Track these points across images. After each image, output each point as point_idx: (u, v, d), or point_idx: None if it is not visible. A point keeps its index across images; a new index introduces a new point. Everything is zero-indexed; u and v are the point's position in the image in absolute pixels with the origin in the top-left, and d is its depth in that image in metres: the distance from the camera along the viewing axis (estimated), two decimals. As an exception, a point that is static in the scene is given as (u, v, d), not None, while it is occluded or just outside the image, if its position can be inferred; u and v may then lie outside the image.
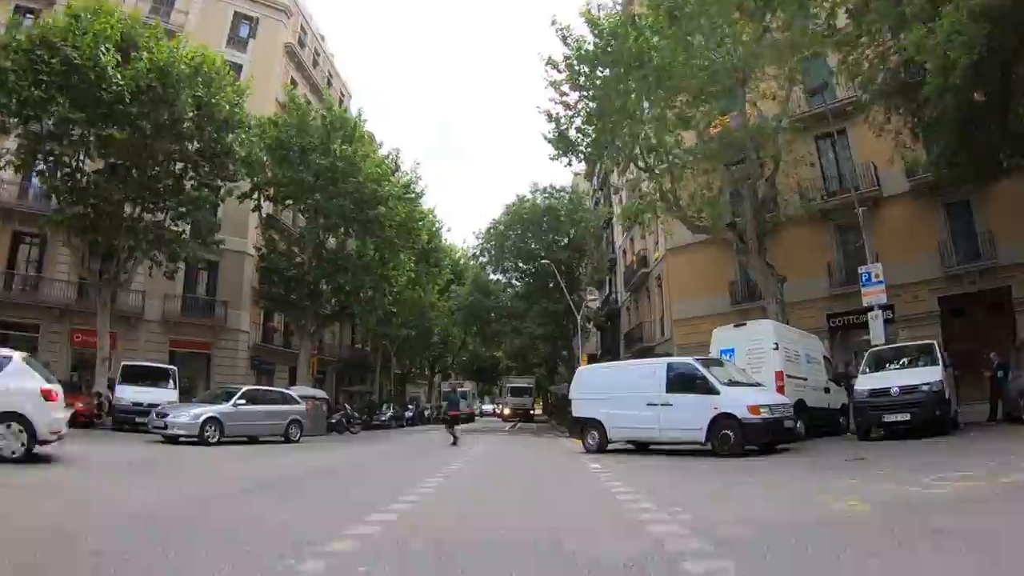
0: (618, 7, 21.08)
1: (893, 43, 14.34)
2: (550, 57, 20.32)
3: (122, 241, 21.05)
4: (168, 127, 19.92)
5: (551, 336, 38.57)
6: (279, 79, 32.98)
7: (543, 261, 33.01)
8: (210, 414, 15.34)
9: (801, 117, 22.60)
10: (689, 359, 11.71)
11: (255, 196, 26.05)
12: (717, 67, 17.78)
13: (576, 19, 20.22)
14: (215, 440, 15.07)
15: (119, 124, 18.85)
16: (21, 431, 8.50)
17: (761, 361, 13.15)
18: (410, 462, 12.64)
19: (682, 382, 11.42)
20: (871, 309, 17.67)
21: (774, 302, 18.06)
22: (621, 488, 6.98)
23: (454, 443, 17.18)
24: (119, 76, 18.16)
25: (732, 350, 13.54)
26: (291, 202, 26.23)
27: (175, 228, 21.86)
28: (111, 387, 19.35)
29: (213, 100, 20.45)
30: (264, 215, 27.04)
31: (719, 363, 11.98)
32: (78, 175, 20.26)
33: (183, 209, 21.34)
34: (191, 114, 20.03)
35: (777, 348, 13.08)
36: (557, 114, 20.79)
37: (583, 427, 13.28)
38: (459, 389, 48.08)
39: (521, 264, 37.35)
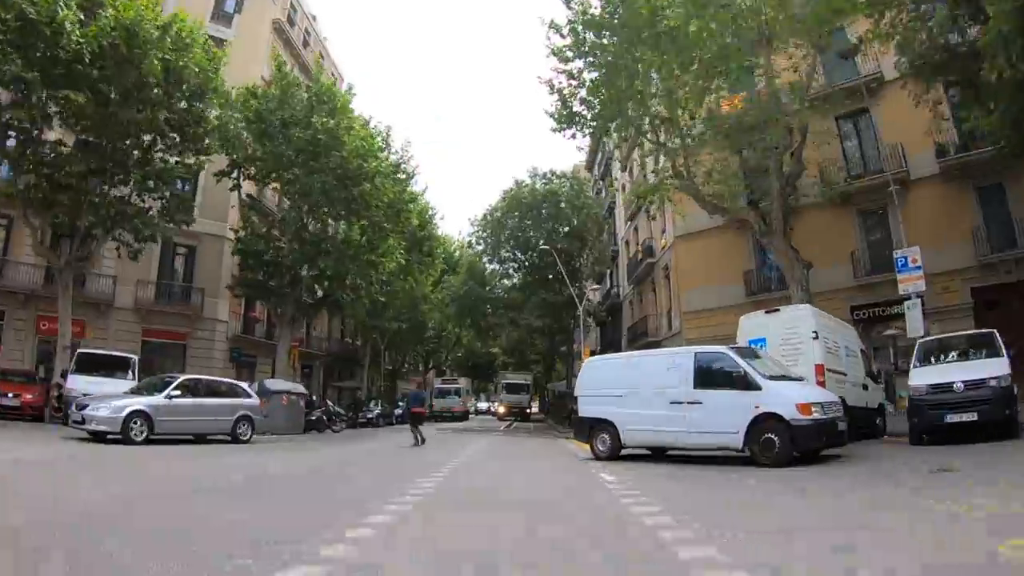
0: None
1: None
2: (552, 20, 18.50)
3: (83, 218, 19.25)
4: (133, 92, 18.20)
5: (550, 329, 36.80)
6: (266, 58, 30.99)
7: (543, 247, 31.16)
8: (136, 407, 12.97)
9: (821, 95, 20.97)
10: (722, 348, 9.79)
11: (234, 175, 24.22)
12: (737, 31, 16.02)
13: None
14: (142, 438, 12.77)
15: (77, 87, 17.12)
16: None
17: (798, 352, 11.37)
18: (379, 471, 10.46)
19: (714, 376, 9.49)
20: (908, 298, 16.14)
21: (799, 290, 16.33)
22: (655, 514, 5.11)
23: (416, 444, 15.87)
24: (78, 34, 16.41)
25: (763, 340, 11.66)
26: (271, 181, 24.30)
27: (142, 204, 20.00)
28: (64, 376, 17.53)
29: (182, 63, 18.62)
30: (245, 196, 25.12)
31: (754, 353, 10.06)
32: (36, 144, 18.49)
33: (150, 183, 19.47)
34: (159, 79, 18.27)
35: (817, 337, 11.28)
36: (560, 84, 18.99)
37: (591, 429, 11.22)
38: (455, 385, 46.49)
39: (519, 254, 35.47)
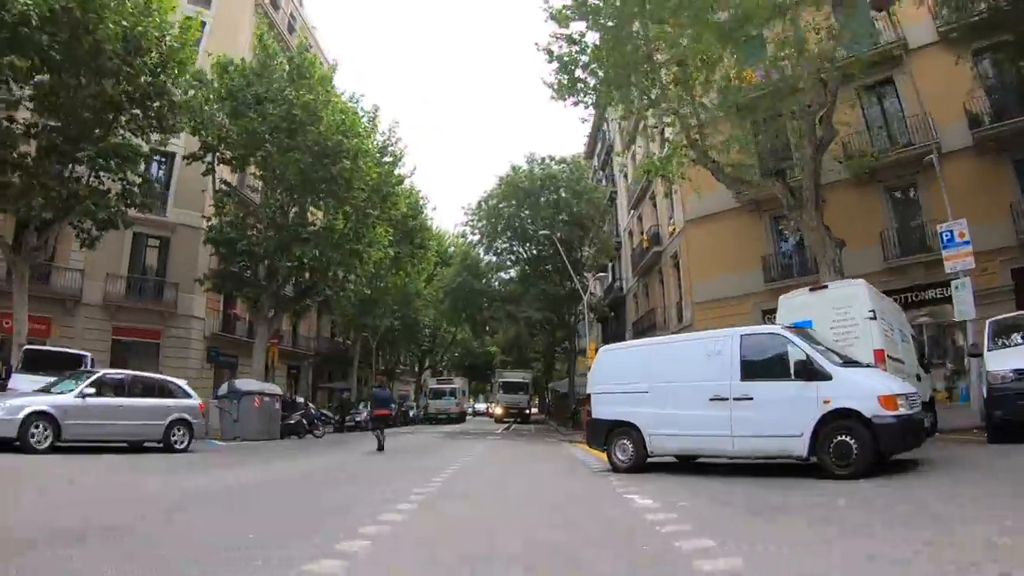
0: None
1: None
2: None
3: (35, 202, 17.36)
4: (88, 61, 16.35)
5: (549, 324, 34.86)
6: (247, 40, 29.05)
7: (542, 232, 29.22)
8: (37, 407, 10.93)
9: (844, 64, 19.31)
10: (775, 328, 7.90)
11: (207, 159, 22.30)
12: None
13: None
14: (45, 446, 10.82)
15: (24, 52, 15.26)
16: None
17: (851, 336, 9.52)
18: (338, 492, 7.84)
19: (767, 364, 7.50)
20: (953, 277, 14.45)
21: (832, 271, 14.48)
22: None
23: (379, 449, 14.58)
24: (25, -7, 14.53)
25: (808, 322, 9.75)
26: (248, 165, 22.35)
27: (99, 186, 18.09)
28: (7, 376, 15.62)
29: (141, 28, 16.76)
30: (220, 182, 23.19)
31: (810, 336, 8.03)
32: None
33: (106, 161, 17.56)
34: (116, 47, 16.42)
35: (875, 318, 9.43)
36: (560, 50, 17.16)
37: (609, 434, 9.20)
38: (451, 385, 44.32)
39: (516, 245, 33.50)
